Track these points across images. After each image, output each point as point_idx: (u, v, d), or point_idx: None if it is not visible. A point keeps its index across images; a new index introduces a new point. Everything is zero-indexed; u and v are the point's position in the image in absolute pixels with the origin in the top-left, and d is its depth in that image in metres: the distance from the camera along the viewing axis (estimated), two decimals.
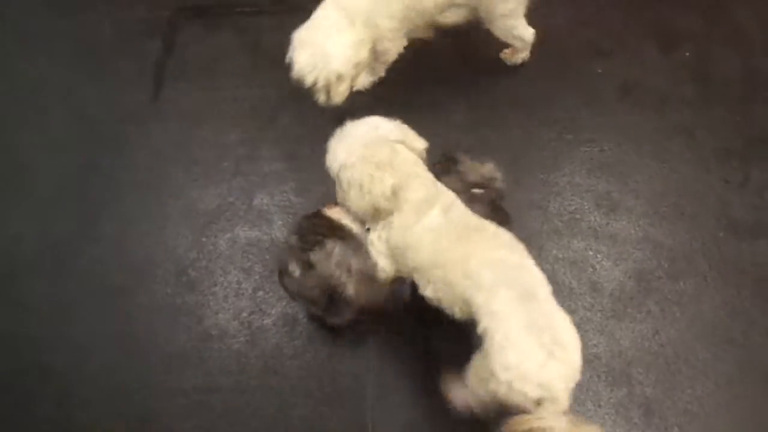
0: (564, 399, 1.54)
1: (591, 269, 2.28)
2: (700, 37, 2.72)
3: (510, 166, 2.47)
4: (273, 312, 2.28)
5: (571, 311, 2.15)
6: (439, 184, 1.87)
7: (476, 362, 1.72)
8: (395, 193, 1.77)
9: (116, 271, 2.39)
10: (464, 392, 1.85)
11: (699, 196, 2.39)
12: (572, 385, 1.56)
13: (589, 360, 2.10)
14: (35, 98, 2.75)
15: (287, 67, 2.76)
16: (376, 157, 1.77)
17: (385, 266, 1.90)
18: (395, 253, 1.86)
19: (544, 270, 2.20)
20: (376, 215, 1.84)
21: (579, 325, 2.12)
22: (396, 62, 2.75)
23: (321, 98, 2.18)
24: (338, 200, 1.93)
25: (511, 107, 2.63)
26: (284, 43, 2.83)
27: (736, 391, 2.06)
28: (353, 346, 2.19)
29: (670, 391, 2.07)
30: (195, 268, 2.37)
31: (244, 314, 2.29)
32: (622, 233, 2.33)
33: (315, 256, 1.89)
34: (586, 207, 2.39)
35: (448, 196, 1.84)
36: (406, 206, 1.79)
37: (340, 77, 2.12)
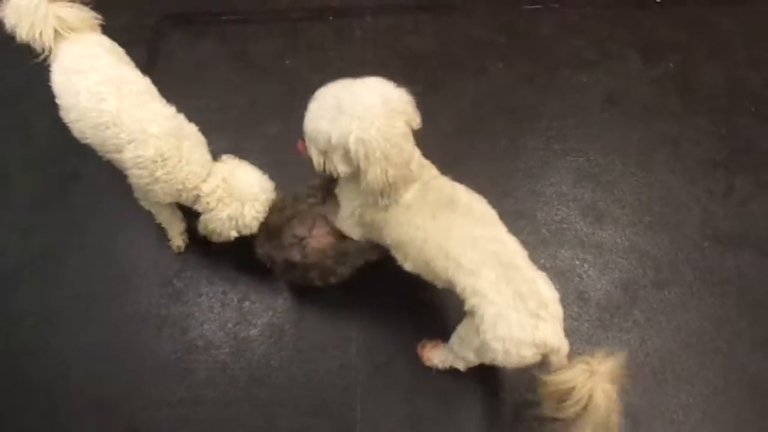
0: (562, 346, 1.64)
1: (578, 279, 2.29)
2: (684, 49, 2.75)
3: (497, 175, 2.51)
4: (259, 323, 2.26)
5: None
6: (422, 159, 1.83)
7: (464, 333, 1.81)
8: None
9: (100, 282, 2.36)
10: (445, 354, 1.98)
11: (684, 206, 2.41)
12: (562, 331, 1.64)
13: None
14: (17, 107, 2.71)
15: (275, 76, 2.77)
16: (400, 129, 1.65)
17: (357, 235, 1.96)
18: (370, 229, 1.88)
19: None
20: (389, 190, 1.71)
21: (566, 335, 2.17)
22: (386, 69, 2.76)
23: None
24: (325, 170, 1.77)
25: (498, 116, 2.64)
26: (270, 52, 2.85)
27: (721, 401, 2.07)
28: (342, 356, 2.18)
29: (656, 400, 2.08)
30: (180, 278, 2.34)
31: (230, 325, 2.27)
32: (609, 243, 2.35)
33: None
34: (573, 216, 2.41)
35: (428, 171, 1.82)
36: None
37: None
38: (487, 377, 2.12)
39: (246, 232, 2.06)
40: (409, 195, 1.75)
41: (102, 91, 1.89)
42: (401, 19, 2.90)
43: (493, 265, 1.62)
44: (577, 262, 2.31)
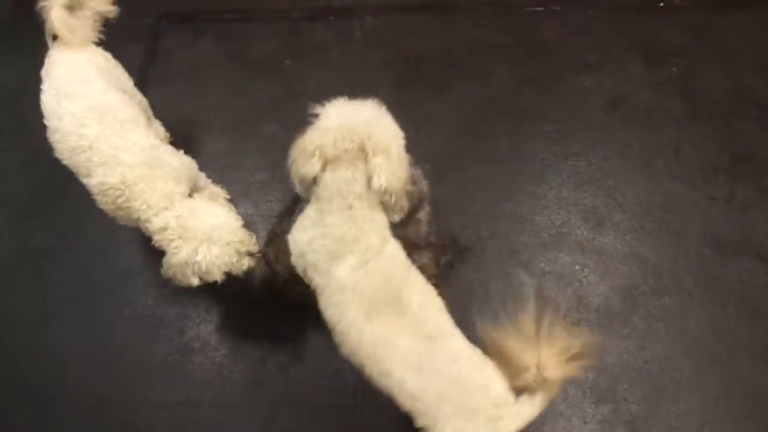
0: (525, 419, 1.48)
1: (577, 284, 2.27)
2: (687, 53, 2.73)
3: (497, 178, 2.49)
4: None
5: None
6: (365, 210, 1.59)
7: None
8: None
9: (96, 282, 2.35)
10: None
11: (685, 212, 2.39)
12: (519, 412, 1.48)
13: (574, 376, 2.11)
14: (14, 107, 2.69)
15: (274, 76, 2.76)
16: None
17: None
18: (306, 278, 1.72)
19: (531, 284, 2.26)
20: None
21: None
22: (386, 70, 2.75)
23: None
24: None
25: (499, 118, 2.63)
26: (270, 51, 2.83)
27: (719, 409, 2.06)
28: (339, 358, 2.16)
29: (655, 407, 2.07)
30: None
31: (227, 326, 2.25)
32: (609, 248, 2.33)
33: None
34: (573, 221, 2.39)
35: (367, 238, 1.57)
36: None
37: None
38: None
39: (208, 278, 1.85)
40: (341, 271, 1.55)
41: (85, 116, 1.87)
42: (402, 19, 2.89)
43: (444, 392, 1.47)
44: (577, 267, 2.30)
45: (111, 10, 2.10)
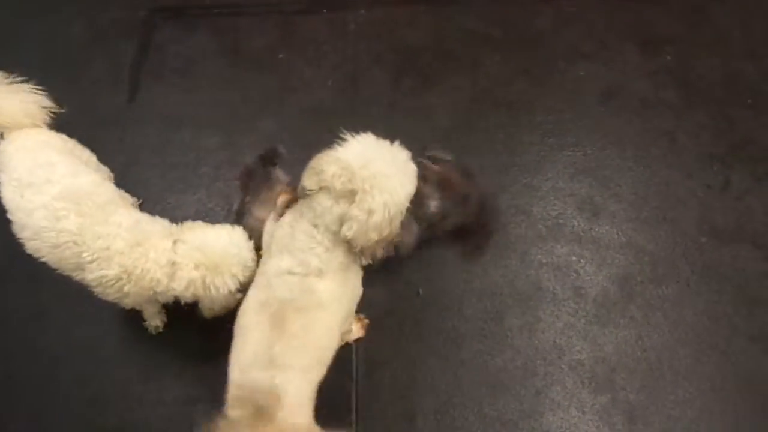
0: None
1: (575, 274, 2.27)
2: (681, 41, 2.73)
3: (494, 170, 2.49)
4: None
5: (555, 317, 2.20)
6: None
7: None
8: None
9: None
10: None
11: (681, 200, 2.39)
12: None
13: (572, 366, 2.12)
14: None
15: (268, 70, 2.74)
16: None
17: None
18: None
19: (528, 275, 2.27)
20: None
21: (563, 331, 2.18)
22: (380, 63, 2.74)
23: None
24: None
25: (494, 110, 2.62)
26: (263, 45, 2.81)
27: (718, 397, 2.06)
28: (339, 355, 2.16)
29: (653, 396, 2.07)
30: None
31: (226, 321, 2.24)
32: (605, 238, 2.33)
33: None
34: (570, 212, 2.39)
35: (308, 263, 1.63)
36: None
37: None
38: (482, 374, 2.12)
39: (245, 277, 1.82)
40: (272, 265, 1.66)
41: (60, 208, 1.73)
42: (396, 12, 2.87)
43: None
44: (574, 258, 2.30)
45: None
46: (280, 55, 2.77)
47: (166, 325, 2.20)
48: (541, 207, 2.40)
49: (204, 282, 1.78)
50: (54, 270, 2.30)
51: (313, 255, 1.62)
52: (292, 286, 1.61)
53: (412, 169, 1.61)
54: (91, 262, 1.75)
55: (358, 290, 1.82)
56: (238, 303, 1.73)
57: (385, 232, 1.58)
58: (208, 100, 2.67)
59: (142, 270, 1.76)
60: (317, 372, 1.64)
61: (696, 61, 2.68)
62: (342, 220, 1.56)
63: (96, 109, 2.64)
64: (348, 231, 1.55)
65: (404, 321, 2.21)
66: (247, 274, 1.82)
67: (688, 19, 2.77)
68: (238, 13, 2.88)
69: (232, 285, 1.80)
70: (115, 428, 2.10)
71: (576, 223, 2.36)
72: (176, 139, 2.58)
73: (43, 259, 1.82)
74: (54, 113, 1.96)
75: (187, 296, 1.81)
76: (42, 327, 2.26)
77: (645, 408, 2.06)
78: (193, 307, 2.26)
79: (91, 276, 1.78)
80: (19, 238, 1.82)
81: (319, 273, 1.62)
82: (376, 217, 1.53)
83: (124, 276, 1.77)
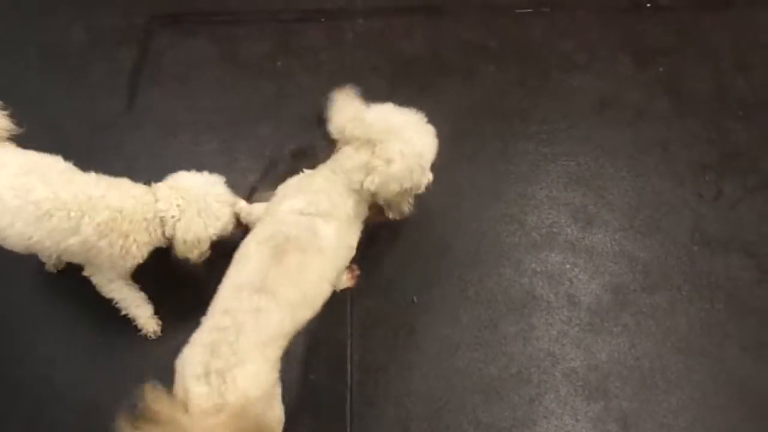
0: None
1: (568, 283, 2.29)
2: (673, 53, 2.77)
3: (487, 179, 2.51)
4: None
5: (548, 325, 2.22)
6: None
7: None
8: None
9: (85, 284, 2.32)
10: None
11: (673, 210, 2.42)
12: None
13: (566, 374, 2.13)
14: None
15: (266, 77, 2.76)
16: None
17: None
18: None
19: (522, 284, 2.29)
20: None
21: (557, 339, 2.20)
22: (377, 71, 2.76)
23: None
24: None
25: (489, 119, 2.64)
26: (262, 53, 2.84)
27: (710, 405, 2.08)
28: (334, 360, 2.18)
29: (646, 404, 2.08)
30: (171, 280, 2.31)
31: None
32: (599, 247, 2.35)
33: None
34: (563, 220, 2.41)
35: (318, 204, 1.77)
36: None
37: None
38: (476, 382, 2.13)
39: (220, 226, 2.01)
40: (284, 205, 1.78)
41: (26, 182, 1.77)
42: (393, 22, 2.90)
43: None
44: (568, 266, 2.32)
45: None
46: (279, 63, 2.79)
47: (164, 332, 2.20)
48: (536, 215, 2.42)
49: (184, 203, 1.94)
50: (51, 274, 2.33)
51: (326, 197, 1.74)
52: (300, 224, 1.71)
53: (428, 126, 1.81)
54: (82, 217, 1.81)
55: (353, 248, 1.89)
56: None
57: (407, 185, 1.72)
58: (207, 106, 2.69)
59: (130, 205, 1.89)
60: (302, 311, 1.70)
61: (688, 73, 2.72)
62: (364, 170, 1.71)
63: (94, 114, 2.66)
64: (371, 183, 1.70)
65: (399, 328, 2.22)
66: (225, 219, 2.01)
67: (679, 32, 2.82)
68: (237, 21, 2.91)
69: (215, 206, 1.97)
70: None
71: (570, 232, 2.38)
72: (174, 144, 2.60)
73: (33, 240, 1.82)
74: (13, 134, 1.95)
75: (173, 213, 1.94)
76: (38, 329, 2.25)
77: (638, 416, 2.07)
78: (192, 311, 2.28)
79: (89, 230, 1.82)
80: (1, 235, 1.82)
81: (327, 216, 1.73)
82: (396, 167, 1.68)
83: (117, 215, 1.86)
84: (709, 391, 2.11)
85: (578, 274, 2.30)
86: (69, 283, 2.32)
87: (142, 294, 2.19)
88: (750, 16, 2.85)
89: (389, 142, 1.69)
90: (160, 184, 2.01)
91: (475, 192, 2.48)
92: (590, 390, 2.10)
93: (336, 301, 2.21)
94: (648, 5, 2.89)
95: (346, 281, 2.20)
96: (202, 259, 2.08)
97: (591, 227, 2.39)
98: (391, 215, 1.88)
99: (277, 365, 1.66)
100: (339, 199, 1.75)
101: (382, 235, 2.30)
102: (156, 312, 2.21)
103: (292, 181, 1.86)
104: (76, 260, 2.02)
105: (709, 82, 2.69)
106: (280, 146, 2.58)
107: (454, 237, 2.38)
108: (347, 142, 1.80)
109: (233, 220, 2.08)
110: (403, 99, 2.65)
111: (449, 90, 2.72)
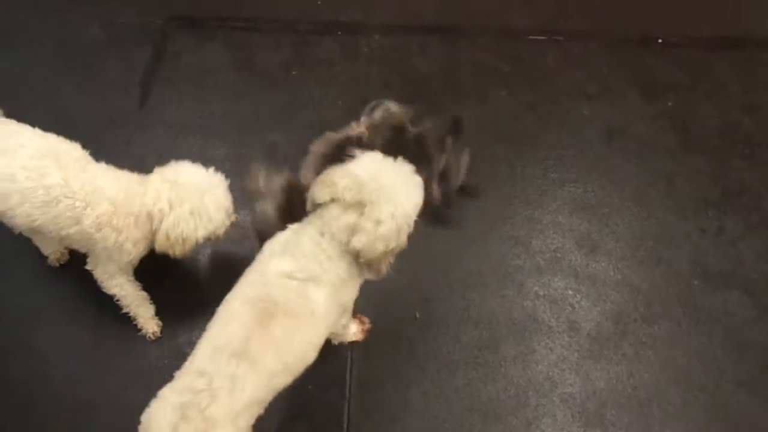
0: None
1: (570, 308, 2.30)
2: (682, 89, 2.82)
3: (495, 201, 2.53)
4: None
5: (548, 349, 2.23)
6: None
7: None
8: None
9: (86, 281, 2.30)
10: None
11: (676, 242, 2.45)
12: None
13: (564, 399, 2.14)
14: (14, 98, 2.62)
15: (280, 86, 2.78)
16: None
17: None
18: None
19: (524, 306, 2.30)
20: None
21: (556, 364, 2.20)
22: (390, 87, 2.79)
23: None
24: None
25: (498, 142, 2.68)
26: (277, 61, 2.86)
27: None
28: (332, 372, 2.16)
29: None
30: (171, 279, 2.30)
31: None
32: (601, 275, 2.37)
33: None
34: (568, 246, 2.43)
35: (308, 269, 1.67)
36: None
37: None
38: (474, 402, 2.12)
39: (211, 228, 1.95)
40: (273, 265, 1.70)
41: (41, 165, 1.80)
42: (408, 39, 2.94)
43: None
44: (570, 292, 2.33)
45: None
46: (293, 72, 2.81)
47: (162, 334, 2.19)
48: (541, 240, 2.44)
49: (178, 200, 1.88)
50: (48, 271, 2.30)
51: (316, 262, 1.66)
52: (290, 289, 1.63)
53: (417, 181, 1.70)
54: (85, 207, 1.81)
55: (349, 308, 1.87)
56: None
57: (392, 244, 1.64)
58: (218, 110, 2.70)
59: (122, 198, 1.88)
60: (281, 380, 1.66)
61: (695, 109, 2.77)
62: (351, 231, 1.62)
63: (106, 111, 2.66)
64: (357, 242, 1.61)
65: (400, 343, 2.22)
66: (217, 223, 1.97)
67: (689, 69, 2.87)
68: (254, 29, 2.93)
69: (211, 207, 1.94)
70: None
71: (574, 258, 2.41)
72: (183, 147, 2.59)
73: (36, 224, 1.84)
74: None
75: (161, 207, 1.88)
76: (36, 327, 2.23)
77: None
78: (190, 313, 2.27)
79: (88, 222, 1.83)
80: (7, 213, 1.83)
81: (318, 281, 1.65)
82: (384, 228, 1.60)
83: (112, 208, 1.86)
84: (704, 425, 2.12)
85: (580, 300, 2.32)
86: (65, 279, 2.32)
87: (144, 293, 2.17)
88: (759, 58, 2.92)
89: (380, 204, 1.60)
90: (153, 176, 1.95)
91: (482, 213, 2.50)
92: (587, 417, 2.11)
93: None
94: (659, 41, 2.95)
95: (355, 334, 2.15)
96: (183, 257, 2.01)
97: (595, 254, 2.41)
98: (367, 275, 1.77)
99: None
100: (329, 263, 1.67)
101: None
102: (160, 297, 2.21)
103: (280, 238, 1.76)
104: (76, 247, 2.02)
105: (716, 119, 2.74)
106: (289, 156, 2.58)
107: (459, 256, 2.40)
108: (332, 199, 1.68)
109: (226, 225, 2.04)
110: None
111: (460, 110, 2.71)
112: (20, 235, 2.37)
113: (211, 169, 2.01)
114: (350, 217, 1.61)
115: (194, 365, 1.61)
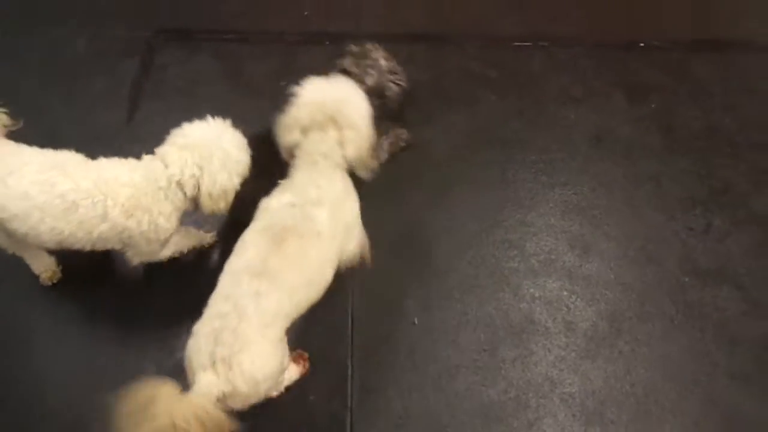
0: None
1: (566, 309, 2.34)
2: (665, 91, 2.90)
3: (487, 205, 2.56)
4: None
5: (546, 350, 2.25)
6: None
7: None
8: None
9: (81, 299, 2.28)
10: None
11: (665, 241, 2.50)
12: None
13: (564, 399, 2.16)
14: None
15: (269, 98, 2.76)
16: None
17: None
18: None
19: (520, 308, 2.32)
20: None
21: (554, 364, 2.23)
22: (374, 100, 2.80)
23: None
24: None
25: (489, 147, 2.71)
26: (265, 72, 2.86)
27: None
28: (334, 380, 2.16)
29: (641, 430, 2.12)
30: (167, 297, 2.28)
31: None
32: (595, 275, 2.41)
33: None
34: (561, 248, 2.47)
35: (307, 195, 1.81)
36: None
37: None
38: (475, 405, 2.14)
39: (241, 171, 2.00)
40: (273, 201, 1.85)
41: (49, 177, 1.81)
42: (396, 48, 2.90)
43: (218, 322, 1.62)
44: (565, 293, 2.37)
45: None
46: (282, 83, 2.80)
47: (163, 336, 2.18)
48: (534, 242, 2.48)
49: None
50: (44, 290, 2.26)
51: (313, 187, 1.80)
52: (294, 214, 1.76)
53: (354, 85, 1.98)
54: (105, 200, 1.84)
55: (353, 224, 1.96)
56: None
57: (372, 140, 1.88)
58: None
59: (141, 177, 1.91)
60: (304, 294, 1.74)
61: (679, 110, 2.85)
62: (340, 144, 1.82)
63: (93, 125, 2.64)
64: (350, 150, 1.82)
65: (399, 349, 2.23)
66: (245, 163, 2.02)
67: (671, 71, 2.95)
68: (242, 40, 2.93)
69: (229, 183, 1.96)
70: None
71: (567, 260, 2.44)
72: None
73: (64, 235, 1.85)
74: (12, 130, 2.00)
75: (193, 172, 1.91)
76: (31, 346, 2.20)
77: None
78: (190, 315, 2.24)
79: (116, 212, 1.86)
80: (32, 233, 1.83)
81: (317, 203, 1.78)
82: (362, 129, 1.83)
83: (135, 190, 1.88)
84: (700, 419, 2.15)
85: (575, 300, 2.35)
86: (60, 297, 2.28)
87: (190, 229, 2.25)
88: (739, 60, 3.01)
89: (348, 113, 1.81)
90: (166, 148, 1.96)
91: (475, 217, 2.52)
92: (587, 415, 2.13)
93: (337, 321, 2.24)
94: (642, 45, 3.02)
95: (294, 372, 2.07)
96: (228, 211, 2.05)
97: (587, 255, 2.45)
98: (363, 175, 1.96)
99: (282, 342, 1.72)
100: (325, 182, 1.82)
101: (384, 256, 2.31)
102: (155, 315, 2.24)
103: (276, 189, 1.90)
104: (113, 246, 2.01)
105: (699, 120, 2.81)
106: (281, 166, 2.58)
107: (455, 261, 2.42)
108: (308, 132, 1.86)
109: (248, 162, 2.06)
110: (403, 124, 2.73)
111: (449, 118, 2.79)
112: (13, 255, 2.34)
113: (208, 117, 2.07)
114: (333, 133, 1.80)
115: (218, 293, 1.68)
